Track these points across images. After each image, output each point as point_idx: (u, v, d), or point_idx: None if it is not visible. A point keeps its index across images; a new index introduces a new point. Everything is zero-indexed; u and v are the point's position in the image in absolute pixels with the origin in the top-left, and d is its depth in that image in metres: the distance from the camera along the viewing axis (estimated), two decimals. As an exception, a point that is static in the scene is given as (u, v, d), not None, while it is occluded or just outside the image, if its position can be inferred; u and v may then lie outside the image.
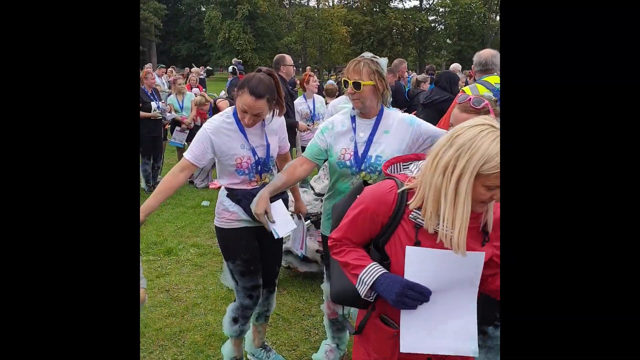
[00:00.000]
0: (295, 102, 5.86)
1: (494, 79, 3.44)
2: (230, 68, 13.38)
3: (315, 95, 6.20)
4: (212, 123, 2.51)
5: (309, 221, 3.81)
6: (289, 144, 2.78)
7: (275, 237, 2.48)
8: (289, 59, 5.38)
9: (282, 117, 2.66)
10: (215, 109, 6.73)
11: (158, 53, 45.06)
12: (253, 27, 42.54)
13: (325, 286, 2.81)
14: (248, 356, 3.02)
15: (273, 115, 2.57)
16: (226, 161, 2.53)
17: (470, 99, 2.15)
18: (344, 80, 2.43)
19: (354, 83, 2.35)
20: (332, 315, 2.84)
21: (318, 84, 6.30)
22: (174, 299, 3.78)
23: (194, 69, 12.74)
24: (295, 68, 6.91)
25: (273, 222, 2.43)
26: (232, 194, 2.59)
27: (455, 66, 9.52)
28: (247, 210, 2.51)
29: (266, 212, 2.37)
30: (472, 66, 3.76)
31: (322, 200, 2.72)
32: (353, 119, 2.49)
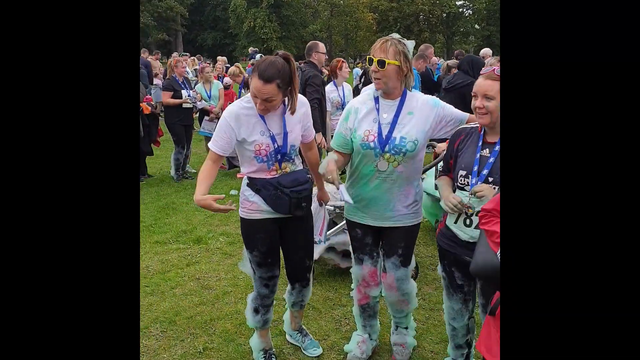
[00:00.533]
0: (326, 89, 5.83)
1: None
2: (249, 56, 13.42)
3: (345, 83, 6.14)
4: (231, 110, 2.45)
5: (332, 208, 3.76)
6: (314, 132, 2.70)
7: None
8: (322, 46, 5.38)
9: (307, 105, 2.57)
10: (247, 85, 6.67)
11: (184, 42, 45.42)
12: (278, 15, 42.45)
13: (355, 270, 2.75)
14: (286, 336, 3.06)
15: (290, 103, 2.44)
16: (246, 147, 2.47)
17: (494, 69, 2.13)
18: (369, 57, 2.40)
19: (378, 61, 2.35)
20: (364, 300, 2.78)
21: (349, 71, 6.21)
22: (204, 287, 3.80)
23: (220, 57, 12.76)
24: (327, 56, 6.91)
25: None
26: (252, 183, 2.54)
27: (486, 51, 9.30)
28: (268, 201, 2.50)
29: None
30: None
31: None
32: (377, 99, 2.49)
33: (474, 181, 2.16)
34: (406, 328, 2.89)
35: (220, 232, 5.01)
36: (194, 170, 7.41)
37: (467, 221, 2.22)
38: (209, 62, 12.15)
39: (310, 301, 3.47)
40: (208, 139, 7.43)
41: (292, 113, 2.46)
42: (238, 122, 2.41)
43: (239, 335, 3.13)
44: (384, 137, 2.44)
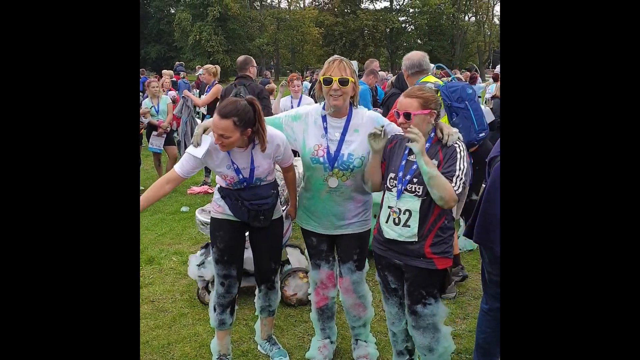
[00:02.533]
0: (282, 100, 6.35)
1: (430, 79, 3.63)
2: (176, 65, 13.37)
3: (305, 97, 6.42)
4: (203, 143, 2.54)
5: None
6: (292, 159, 2.79)
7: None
8: (253, 60, 5.79)
9: (282, 139, 2.62)
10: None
11: (127, 56, 44.20)
12: (224, 28, 42.14)
13: (312, 275, 2.85)
14: (258, 347, 3.11)
15: (259, 141, 2.53)
16: (214, 169, 2.67)
17: (413, 87, 2.40)
18: (325, 78, 2.50)
19: (340, 80, 2.47)
20: (322, 302, 2.87)
21: (299, 87, 6.46)
22: (159, 309, 3.65)
23: (165, 71, 12.48)
24: (266, 71, 7.39)
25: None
26: (220, 189, 2.74)
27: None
28: (230, 208, 2.69)
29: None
30: (403, 69, 3.92)
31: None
32: (324, 118, 2.62)
33: (399, 186, 2.35)
34: (365, 341, 2.95)
35: (173, 251, 4.85)
36: (142, 188, 7.17)
37: (396, 220, 2.38)
38: (155, 75, 11.83)
39: (272, 319, 3.42)
40: (157, 155, 7.22)
41: (263, 151, 2.56)
42: (208, 155, 2.56)
43: (199, 358, 3.02)
44: (332, 154, 2.57)
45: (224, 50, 41.64)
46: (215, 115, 2.40)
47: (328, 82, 2.47)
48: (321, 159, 2.56)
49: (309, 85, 11.53)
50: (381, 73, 9.17)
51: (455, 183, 2.25)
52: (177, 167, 2.56)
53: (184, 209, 6.23)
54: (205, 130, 2.55)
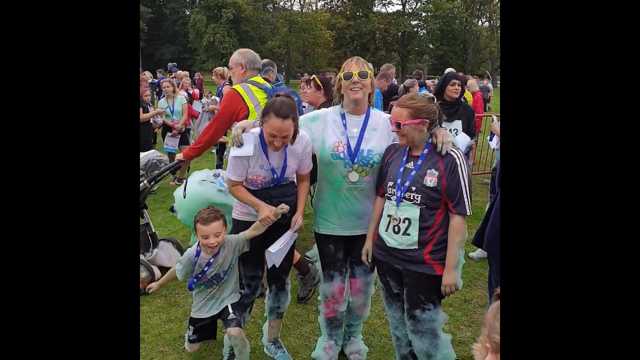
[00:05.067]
0: None
1: (260, 79, 3.61)
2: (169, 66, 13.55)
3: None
4: (247, 141, 2.59)
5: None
6: (311, 166, 2.80)
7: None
8: (273, 64, 5.64)
9: (308, 140, 2.68)
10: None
11: (143, 57, 44.55)
12: (237, 30, 42.44)
13: (324, 288, 2.88)
14: (264, 348, 3.16)
15: (295, 137, 2.59)
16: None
17: (405, 97, 2.46)
18: (345, 73, 2.57)
19: (360, 73, 2.55)
20: (331, 314, 2.91)
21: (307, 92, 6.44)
22: (171, 304, 3.77)
23: (182, 72, 12.64)
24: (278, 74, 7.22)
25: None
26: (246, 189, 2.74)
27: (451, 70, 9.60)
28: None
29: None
30: (241, 63, 3.70)
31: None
32: (343, 116, 2.68)
33: (398, 193, 2.39)
34: (356, 337, 3.09)
35: (185, 247, 4.95)
36: (156, 187, 7.30)
37: (396, 228, 2.43)
38: (171, 76, 11.99)
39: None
40: (172, 155, 7.35)
41: (292, 144, 2.59)
42: (244, 159, 2.61)
43: (209, 352, 3.13)
44: (352, 149, 2.63)
45: (237, 52, 41.84)
46: (275, 120, 2.40)
47: (348, 76, 2.55)
48: (341, 154, 2.62)
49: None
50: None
51: (464, 205, 2.31)
52: (231, 176, 2.63)
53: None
54: (243, 130, 2.57)
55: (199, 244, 2.76)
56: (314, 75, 4.59)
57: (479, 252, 4.62)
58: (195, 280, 2.76)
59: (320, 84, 4.34)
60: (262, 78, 5.49)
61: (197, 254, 2.75)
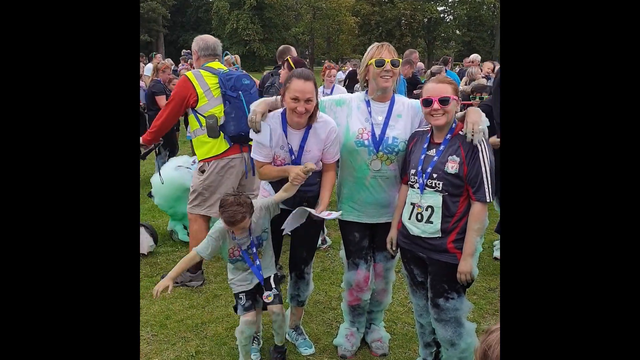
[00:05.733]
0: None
1: (215, 65, 3.66)
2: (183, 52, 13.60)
3: (337, 86, 6.26)
4: (263, 129, 2.59)
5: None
6: (338, 156, 2.71)
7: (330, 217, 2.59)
8: (294, 50, 5.60)
9: (336, 128, 2.61)
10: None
11: (166, 44, 45.00)
12: (261, 17, 42.37)
13: (349, 276, 2.84)
14: (285, 334, 3.13)
15: (310, 125, 2.57)
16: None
17: (441, 75, 2.48)
18: (377, 60, 2.51)
19: (392, 61, 2.52)
20: (355, 302, 2.88)
21: (334, 76, 6.29)
22: (194, 290, 3.79)
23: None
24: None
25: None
26: None
27: (474, 57, 9.41)
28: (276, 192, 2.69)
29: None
30: (194, 49, 3.77)
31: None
32: (368, 102, 2.65)
33: (420, 180, 2.37)
34: (377, 325, 3.07)
35: (162, 233, 4.98)
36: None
37: (419, 216, 2.40)
38: (188, 63, 11.98)
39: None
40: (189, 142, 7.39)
41: (315, 121, 2.56)
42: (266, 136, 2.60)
43: (231, 338, 3.13)
44: (377, 137, 2.58)
45: (260, 39, 41.90)
46: (297, 81, 2.42)
47: (381, 63, 2.50)
48: (366, 142, 2.58)
49: (343, 75, 11.41)
50: (419, 64, 9.04)
51: (484, 192, 2.26)
52: (258, 157, 2.63)
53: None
54: (263, 115, 2.55)
55: None
56: (288, 57, 4.51)
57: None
58: (231, 255, 2.71)
59: (293, 66, 4.31)
60: (281, 64, 5.48)
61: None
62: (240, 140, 3.57)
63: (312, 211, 2.56)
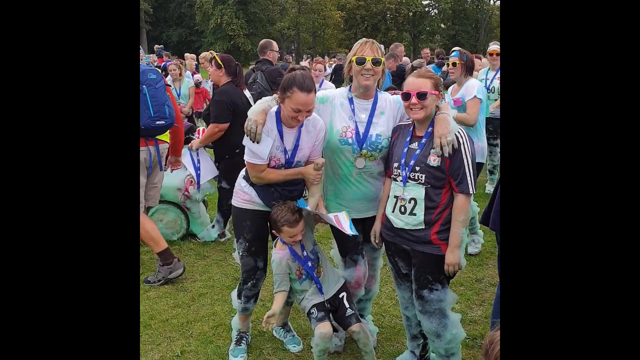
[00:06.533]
0: None
1: None
2: (156, 49, 13.45)
3: (325, 82, 6.24)
4: (265, 141, 2.52)
5: None
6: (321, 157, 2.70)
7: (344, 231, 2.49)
8: (275, 44, 5.58)
9: (322, 124, 2.60)
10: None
11: (148, 40, 44.40)
12: (245, 12, 42.02)
13: (348, 273, 2.78)
14: (273, 332, 3.11)
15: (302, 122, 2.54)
16: None
17: (421, 69, 2.44)
18: (358, 58, 2.50)
19: (374, 60, 2.48)
20: None
21: (321, 71, 6.24)
22: (179, 289, 3.73)
23: (189, 55, 12.53)
24: (287, 55, 7.12)
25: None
26: (248, 177, 2.66)
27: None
28: (259, 192, 2.63)
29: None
30: None
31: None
32: (351, 100, 2.63)
33: (403, 173, 2.38)
34: (365, 318, 3.03)
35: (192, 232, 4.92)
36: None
37: (402, 209, 2.40)
38: (177, 59, 11.86)
39: (288, 301, 3.47)
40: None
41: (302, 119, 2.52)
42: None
43: (217, 337, 3.09)
44: (361, 135, 2.57)
45: (245, 34, 41.58)
46: (300, 94, 2.34)
47: (361, 61, 2.48)
48: (350, 140, 2.56)
49: (330, 70, 11.37)
50: (405, 59, 9.01)
51: (467, 184, 2.28)
52: (256, 160, 2.52)
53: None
54: (263, 126, 2.46)
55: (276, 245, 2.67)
56: (214, 54, 4.46)
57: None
58: (298, 276, 2.65)
59: (220, 63, 4.27)
60: (262, 59, 5.42)
61: (292, 252, 2.60)
62: (143, 134, 3.58)
63: (323, 215, 2.56)
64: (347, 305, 2.64)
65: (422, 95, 2.30)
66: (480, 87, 3.93)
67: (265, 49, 5.39)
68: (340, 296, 2.66)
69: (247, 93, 4.43)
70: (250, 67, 5.58)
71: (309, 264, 2.62)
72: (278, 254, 2.62)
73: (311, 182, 2.57)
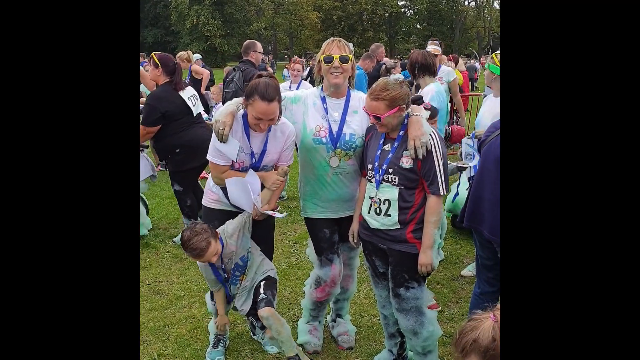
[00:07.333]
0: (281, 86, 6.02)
1: None
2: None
3: (304, 82, 6.23)
4: (231, 143, 2.50)
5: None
6: (291, 161, 2.70)
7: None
8: (259, 45, 5.51)
9: (292, 129, 2.60)
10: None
11: (123, 40, 43.73)
12: (222, 12, 41.77)
13: (324, 272, 2.78)
14: (251, 334, 3.10)
15: (279, 117, 2.51)
16: None
17: (377, 87, 2.35)
18: (325, 56, 2.51)
19: (341, 57, 2.49)
20: (324, 297, 2.85)
21: (299, 71, 6.22)
22: (155, 292, 3.68)
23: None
24: (264, 56, 7.02)
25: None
26: None
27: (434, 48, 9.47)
28: (226, 194, 2.62)
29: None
30: None
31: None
32: (323, 99, 2.63)
33: (377, 176, 2.40)
34: (343, 318, 3.08)
35: (169, 235, 4.87)
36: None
37: (377, 210, 2.43)
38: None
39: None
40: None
41: (275, 124, 2.51)
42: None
43: (195, 340, 3.06)
44: (334, 134, 2.57)
45: (221, 35, 41.32)
46: (261, 103, 2.32)
47: (329, 60, 2.48)
48: (324, 139, 2.56)
49: (307, 71, 11.35)
50: (385, 59, 9.01)
51: (438, 185, 2.31)
52: (219, 161, 2.51)
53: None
54: (230, 128, 2.43)
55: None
56: (152, 53, 4.43)
57: (470, 268, 4.06)
58: (225, 283, 2.69)
59: (158, 62, 4.24)
60: (245, 60, 5.38)
61: (210, 265, 2.61)
62: None
63: (258, 202, 2.56)
64: (262, 291, 2.66)
65: (377, 118, 2.32)
66: (436, 94, 3.70)
67: (249, 49, 5.32)
68: (260, 283, 2.70)
69: (185, 93, 4.29)
70: (233, 67, 5.52)
71: (237, 273, 2.68)
72: (199, 262, 2.64)
73: (269, 186, 2.57)
